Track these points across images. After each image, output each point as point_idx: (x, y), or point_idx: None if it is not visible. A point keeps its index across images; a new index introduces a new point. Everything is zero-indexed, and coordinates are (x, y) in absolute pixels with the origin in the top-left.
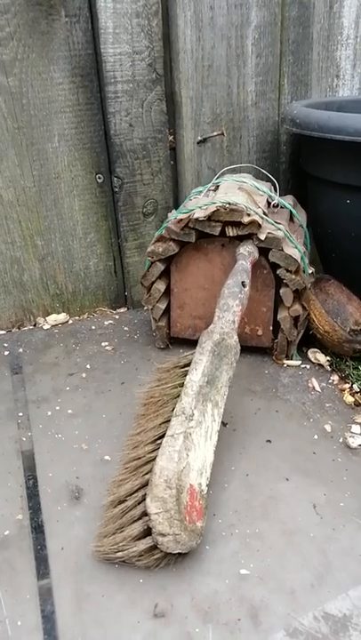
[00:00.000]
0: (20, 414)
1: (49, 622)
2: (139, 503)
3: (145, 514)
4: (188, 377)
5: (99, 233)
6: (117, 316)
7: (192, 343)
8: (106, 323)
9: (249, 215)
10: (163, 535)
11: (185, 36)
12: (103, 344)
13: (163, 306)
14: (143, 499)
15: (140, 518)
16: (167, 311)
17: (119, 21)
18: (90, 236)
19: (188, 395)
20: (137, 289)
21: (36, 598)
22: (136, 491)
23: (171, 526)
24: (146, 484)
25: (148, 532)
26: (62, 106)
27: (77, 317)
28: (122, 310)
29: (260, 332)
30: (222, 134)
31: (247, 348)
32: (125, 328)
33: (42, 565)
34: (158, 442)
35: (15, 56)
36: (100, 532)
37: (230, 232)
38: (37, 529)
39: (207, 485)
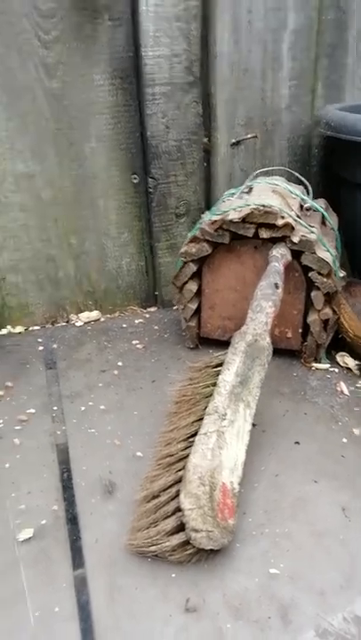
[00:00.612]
0: (55, 408)
1: (84, 611)
2: (172, 499)
3: (178, 509)
4: (220, 376)
5: (132, 233)
6: (148, 315)
7: (221, 344)
8: (136, 321)
9: (283, 218)
10: (196, 531)
11: (222, 39)
12: (134, 342)
13: (194, 306)
14: (176, 495)
15: (173, 514)
16: (198, 311)
17: (160, 25)
18: (123, 235)
19: (220, 394)
20: (167, 289)
21: (71, 587)
22: (169, 487)
23: (204, 522)
24: (179, 481)
25: (181, 527)
26: (101, 107)
27: (109, 315)
28: (152, 309)
29: (289, 335)
30: (256, 137)
31: (276, 351)
32: (155, 327)
33: (77, 556)
34: (191, 440)
35: (59, 59)
36: (133, 525)
37: (264, 234)
38: (72, 520)
39: (239, 484)
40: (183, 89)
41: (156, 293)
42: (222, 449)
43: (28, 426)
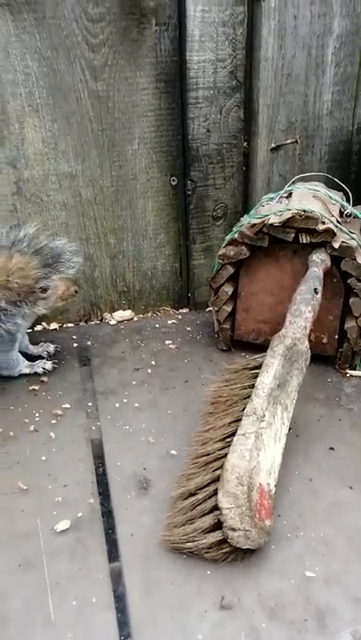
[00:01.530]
0: (90, 404)
1: (121, 602)
2: (209, 497)
3: (216, 508)
4: (259, 378)
5: (168, 234)
6: (180, 317)
7: (254, 347)
8: (169, 322)
9: (324, 223)
10: (234, 530)
11: (267, 44)
12: (167, 342)
13: (229, 308)
14: (214, 493)
15: (210, 512)
16: (232, 314)
17: (206, 30)
18: (160, 237)
19: (259, 396)
20: (200, 291)
21: (107, 579)
22: (206, 485)
23: (242, 522)
24: (216, 480)
25: (218, 525)
26: (145, 110)
27: (142, 315)
28: (184, 311)
29: (324, 340)
30: (296, 142)
31: (310, 356)
32: (188, 328)
33: (112, 549)
34: (228, 440)
35: (105, 62)
36: (169, 522)
37: (304, 239)
38: (108, 514)
39: (275, 486)
40: (226, 93)
41: (190, 295)
42: (260, 450)
43: (64, 420)
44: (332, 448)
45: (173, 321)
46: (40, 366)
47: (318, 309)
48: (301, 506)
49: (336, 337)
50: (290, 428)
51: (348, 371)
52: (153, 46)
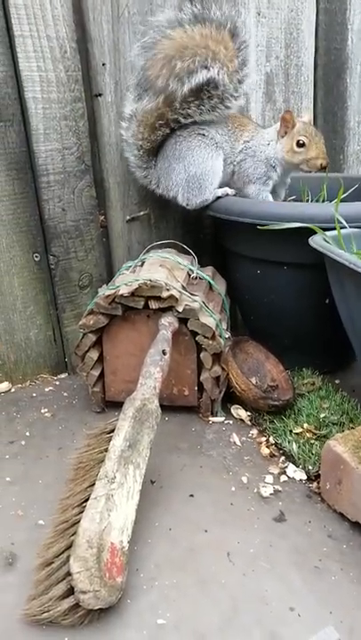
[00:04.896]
0: None
1: None
2: (64, 564)
3: (69, 574)
4: (111, 442)
5: (38, 305)
6: (58, 382)
7: None
8: (47, 389)
9: (168, 290)
10: (84, 592)
11: (109, 132)
12: (43, 410)
13: (96, 373)
14: (68, 560)
15: (64, 578)
16: (102, 377)
17: (49, 124)
18: (29, 309)
19: (110, 459)
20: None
21: None
22: (62, 552)
23: (91, 583)
24: (71, 546)
25: (71, 591)
26: (0, 196)
27: (20, 385)
28: (63, 376)
29: (186, 392)
30: (148, 214)
31: (176, 408)
32: (65, 394)
33: None
34: (85, 505)
35: None
36: (29, 594)
37: (153, 305)
38: None
39: (128, 542)
40: (76, 176)
41: (66, 360)
42: (111, 511)
43: None
44: (192, 495)
45: (51, 388)
46: None
47: (174, 365)
48: (159, 556)
49: (196, 388)
50: (153, 481)
51: (209, 418)
52: (1, 140)
